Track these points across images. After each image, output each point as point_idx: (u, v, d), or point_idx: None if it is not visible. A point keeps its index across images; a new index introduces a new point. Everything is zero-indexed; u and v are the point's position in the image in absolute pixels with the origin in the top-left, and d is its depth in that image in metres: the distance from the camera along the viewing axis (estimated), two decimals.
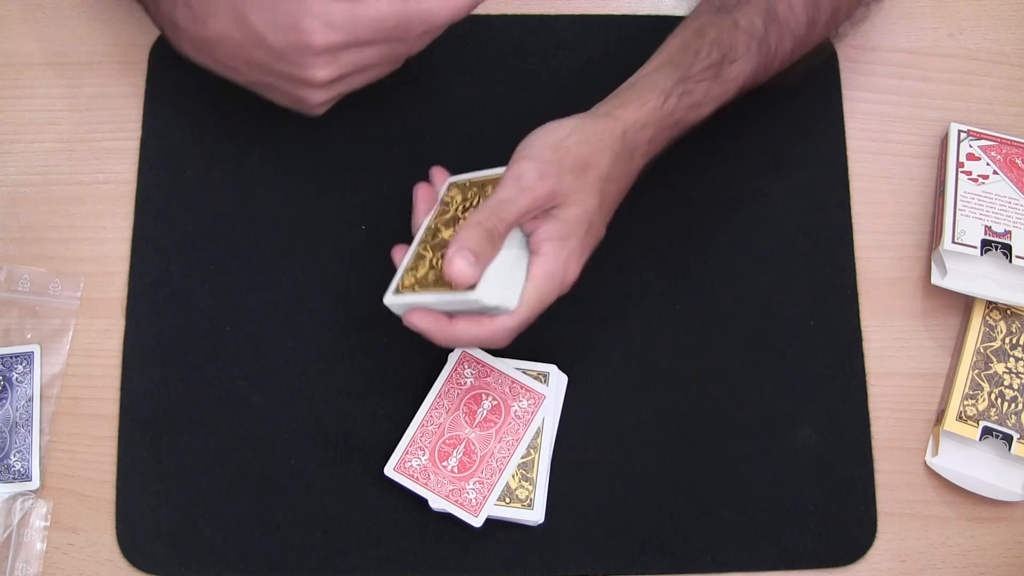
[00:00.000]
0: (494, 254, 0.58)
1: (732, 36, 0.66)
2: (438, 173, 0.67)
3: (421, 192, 0.65)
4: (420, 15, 0.59)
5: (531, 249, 0.60)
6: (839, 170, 0.75)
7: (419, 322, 0.59)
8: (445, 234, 0.62)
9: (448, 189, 0.65)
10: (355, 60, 0.61)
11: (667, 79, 0.64)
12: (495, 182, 0.61)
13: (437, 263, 0.60)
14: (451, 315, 0.60)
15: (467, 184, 0.64)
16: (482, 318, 0.59)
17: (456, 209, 0.63)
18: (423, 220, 0.64)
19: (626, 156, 0.62)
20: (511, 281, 0.59)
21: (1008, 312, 0.70)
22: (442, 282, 0.59)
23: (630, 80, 0.65)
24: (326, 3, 0.58)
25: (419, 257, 0.62)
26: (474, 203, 0.62)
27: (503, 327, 0.59)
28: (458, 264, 0.56)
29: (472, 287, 0.57)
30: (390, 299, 0.61)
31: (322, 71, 0.61)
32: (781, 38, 0.67)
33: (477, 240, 0.57)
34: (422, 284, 0.60)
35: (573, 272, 0.61)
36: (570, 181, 0.59)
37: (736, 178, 0.74)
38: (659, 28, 0.76)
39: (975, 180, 0.71)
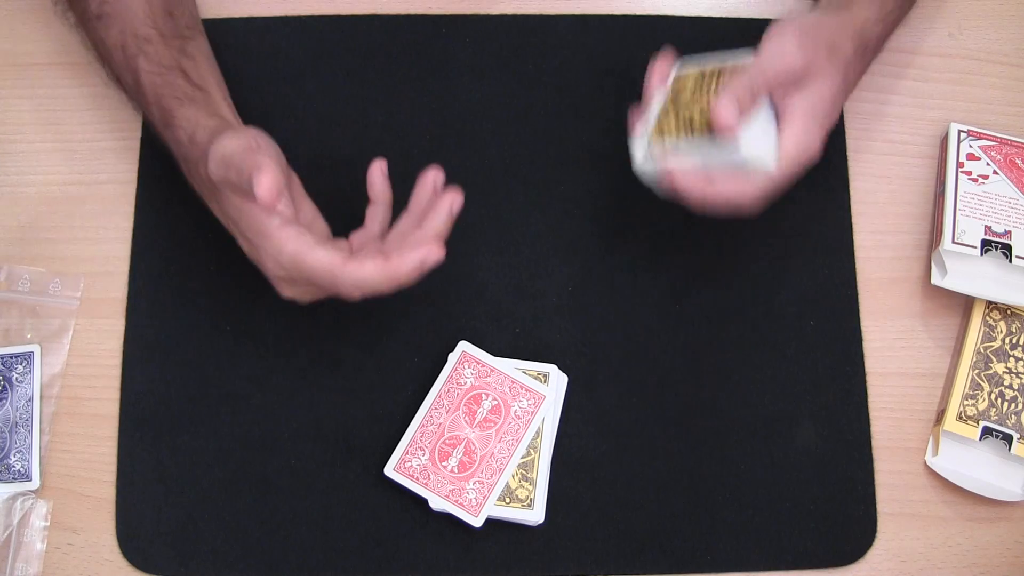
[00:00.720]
0: (753, 111, 0.61)
1: None
2: (663, 62, 0.67)
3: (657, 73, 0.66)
4: (352, 277, 0.58)
5: (782, 118, 0.62)
6: (839, 170, 0.75)
7: (681, 180, 0.61)
8: (691, 108, 0.63)
9: (675, 82, 0.66)
10: (306, 288, 0.62)
11: None
12: (731, 69, 0.63)
13: (690, 119, 0.62)
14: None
15: (703, 71, 0.65)
16: (739, 175, 0.61)
17: (691, 91, 0.64)
18: (656, 91, 0.65)
19: (861, 48, 0.66)
20: (766, 143, 0.61)
21: (1008, 312, 0.70)
22: (698, 129, 0.61)
23: None
24: (284, 236, 0.58)
25: (667, 114, 0.63)
26: (711, 80, 0.64)
27: (760, 186, 0.62)
28: (725, 106, 0.59)
29: (735, 139, 0.59)
30: (642, 160, 0.63)
31: (280, 286, 0.62)
32: None
33: (742, 90, 0.60)
34: (678, 130, 0.62)
35: (818, 146, 0.63)
36: (824, 57, 0.62)
37: None
38: (659, 28, 0.77)
39: (975, 180, 0.71)
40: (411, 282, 0.57)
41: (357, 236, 0.64)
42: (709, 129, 0.61)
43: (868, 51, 0.67)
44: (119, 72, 0.68)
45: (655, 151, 0.64)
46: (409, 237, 0.61)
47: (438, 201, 0.61)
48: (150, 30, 0.66)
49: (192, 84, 0.65)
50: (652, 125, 0.64)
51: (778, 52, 0.62)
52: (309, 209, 0.65)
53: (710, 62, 0.66)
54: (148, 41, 0.66)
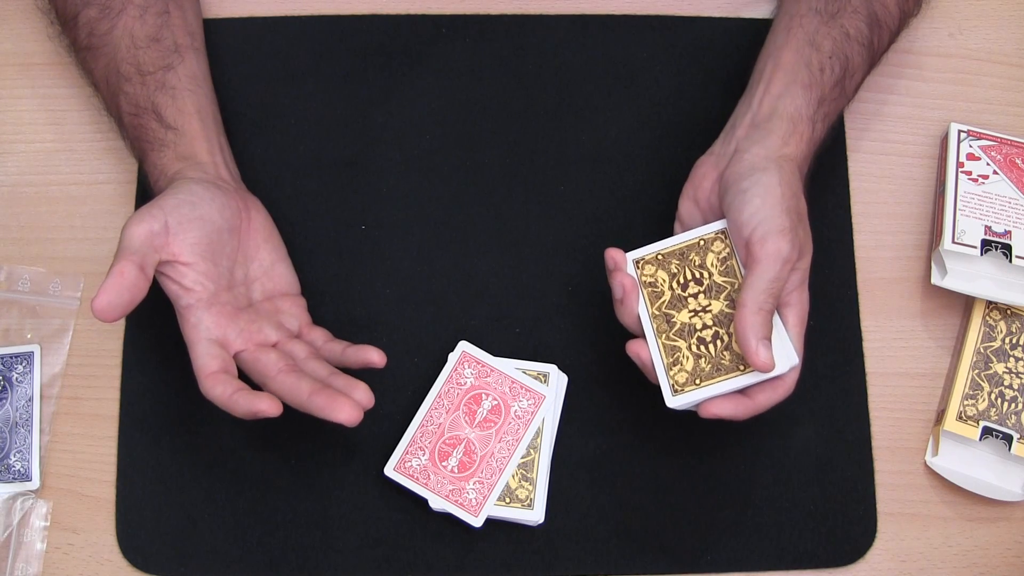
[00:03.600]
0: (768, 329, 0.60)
1: (847, 48, 0.67)
2: (612, 254, 0.65)
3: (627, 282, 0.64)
4: (203, 389, 0.60)
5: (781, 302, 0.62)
6: (839, 170, 0.75)
7: (723, 411, 0.61)
8: (681, 317, 0.63)
9: (642, 268, 0.65)
10: None
11: (808, 104, 0.65)
12: (695, 247, 0.64)
13: (701, 350, 0.62)
14: (742, 390, 0.62)
15: (662, 258, 0.65)
16: (775, 382, 0.62)
17: (672, 287, 0.64)
18: (635, 308, 0.64)
19: (803, 188, 0.64)
20: (781, 340, 0.61)
21: (1008, 312, 0.70)
22: (724, 369, 0.61)
23: (768, 105, 0.66)
24: (187, 317, 0.62)
25: (674, 350, 0.63)
26: (683, 276, 0.64)
27: (793, 381, 0.62)
28: (764, 356, 0.59)
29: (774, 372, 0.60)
30: (674, 402, 0.62)
31: None
32: (881, 38, 0.70)
33: (765, 326, 0.60)
34: (704, 377, 0.62)
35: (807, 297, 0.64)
36: (803, 235, 0.62)
37: None
38: (658, 28, 0.77)
39: (975, 180, 0.71)
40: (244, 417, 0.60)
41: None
42: (737, 364, 0.61)
43: (805, 183, 0.65)
44: (107, 103, 0.70)
45: (682, 386, 0.62)
46: (289, 395, 0.60)
47: (335, 400, 0.59)
48: (129, 67, 0.67)
49: (165, 126, 0.66)
50: (663, 360, 0.63)
51: (780, 265, 0.60)
52: (267, 260, 0.66)
53: (667, 244, 0.65)
54: (128, 80, 0.67)
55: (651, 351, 0.63)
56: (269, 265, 0.66)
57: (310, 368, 0.62)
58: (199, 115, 0.67)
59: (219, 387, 0.60)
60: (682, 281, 0.64)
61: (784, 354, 0.61)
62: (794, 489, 0.68)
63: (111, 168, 0.73)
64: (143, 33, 0.67)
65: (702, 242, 0.64)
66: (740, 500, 0.68)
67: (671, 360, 0.62)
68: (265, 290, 0.66)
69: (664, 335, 0.63)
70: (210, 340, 0.61)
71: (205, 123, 0.67)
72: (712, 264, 0.64)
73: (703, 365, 0.62)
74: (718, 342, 0.62)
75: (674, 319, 0.63)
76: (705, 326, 0.62)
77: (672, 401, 0.62)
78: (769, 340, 0.60)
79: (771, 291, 0.60)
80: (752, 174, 0.62)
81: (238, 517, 0.67)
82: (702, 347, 0.62)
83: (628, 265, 0.65)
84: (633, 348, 0.63)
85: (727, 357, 0.62)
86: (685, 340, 0.63)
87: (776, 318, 0.62)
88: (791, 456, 0.69)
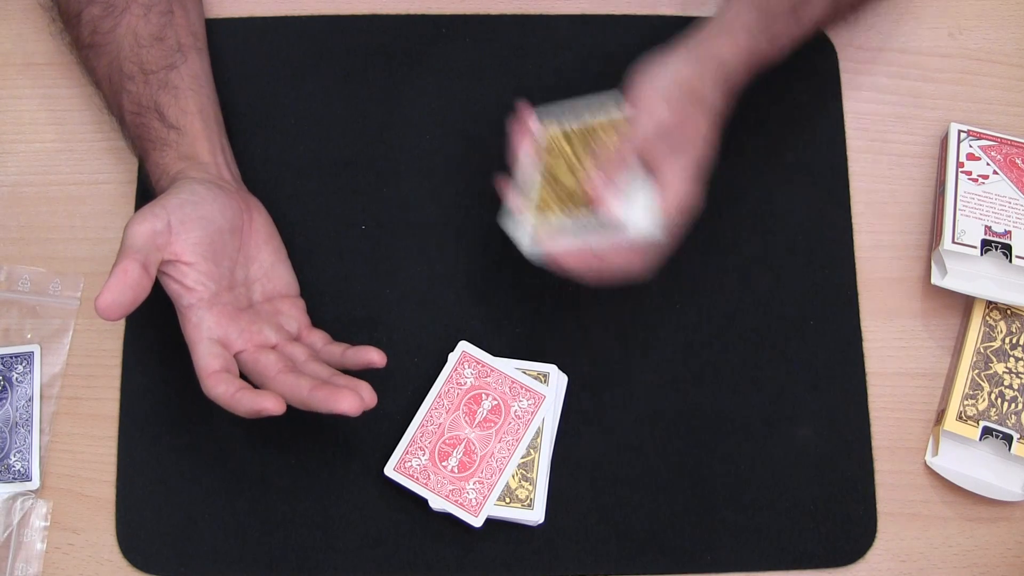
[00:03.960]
0: (626, 180, 0.62)
1: None
2: (525, 112, 0.67)
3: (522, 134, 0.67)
4: (205, 388, 0.60)
5: (658, 178, 0.63)
6: (839, 170, 0.75)
7: (570, 263, 0.63)
8: (567, 180, 0.64)
9: (545, 147, 0.66)
10: None
11: (750, 17, 0.67)
12: (603, 126, 0.65)
13: (571, 194, 0.63)
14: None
15: (571, 133, 0.66)
16: (626, 247, 0.63)
17: (569, 156, 0.65)
18: (528, 164, 0.65)
19: (726, 88, 0.66)
20: (648, 212, 0.62)
21: (1008, 312, 0.70)
22: (582, 218, 0.62)
23: (715, 15, 0.68)
24: (188, 316, 0.62)
25: (545, 192, 0.64)
26: (584, 150, 0.65)
27: (649, 253, 0.63)
28: (603, 192, 0.60)
29: (619, 220, 0.61)
30: (530, 247, 0.63)
31: None
32: None
33: (614, 168, 0.61)
34: (561, 226, 0.63)
35: (696, 199, 0.64)
36: (692, 110, 0.63)
37: (736, 178, 0.74)
38: (658, 28, 0.77)
39: (975, 180, 0.71)
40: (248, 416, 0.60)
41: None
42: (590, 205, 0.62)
43: (733, 84, 0.67)
44: (108, 102, 0.70)
45: (540, 233, 0.63)
46: (290, 394, 0.60)
47: (336, 392, 0.59)
48: (132, 66, 0.67)
49: (167, 125, 0.66)
50: (534, 203, 0.64)
51: (647, 114, 0.62)
52: (266, 261, 0.66)
53: (574, 115, 0.66)
54: (130, 79, 0.67)
55: (526, 187, 0.64)
56: (269, 266, 0.66)
57: (310, 370, 0.62)
58: (201, 115, 0.67)
59: (221, 386, 0.60)
60: (576, 147, 0.65)
61: (642, 218, 0.61)
62: (794, 489, 0.68)
63: (111, 168, 0.73)
64: (147, 32, 0.67)
65: (611, 123, 0.65)
66: (740, 500, 0.68)
67: (542, 211, 0.63)
68: (265, 291, 0.66)
69: (546, 190, 0.64)
70: (212, 340, 0.61)
71: (207, 123, 0.67)
72: (612, 144, 0.64)
73: (563, 205, 0.63)
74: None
75: (561, 180, 0.64)
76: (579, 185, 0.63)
77: (528, 247, 0.63)
78: (617, 186, 0.61)
79: (632, 139, 0.61)
80: (662, 56, 0.64)
81: (238, 517, 0.67)
82: (571, 204, 0.63)
83: (538, 129, 0.66)
84: (501, 182, 0.65)
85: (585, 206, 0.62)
86: (560, 201, 0.63)
87: (647, 185, 0.62)
88: (791, 456, 0.69)
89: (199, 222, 0.61)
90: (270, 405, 0.59)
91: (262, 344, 0.63)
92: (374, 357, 0.63)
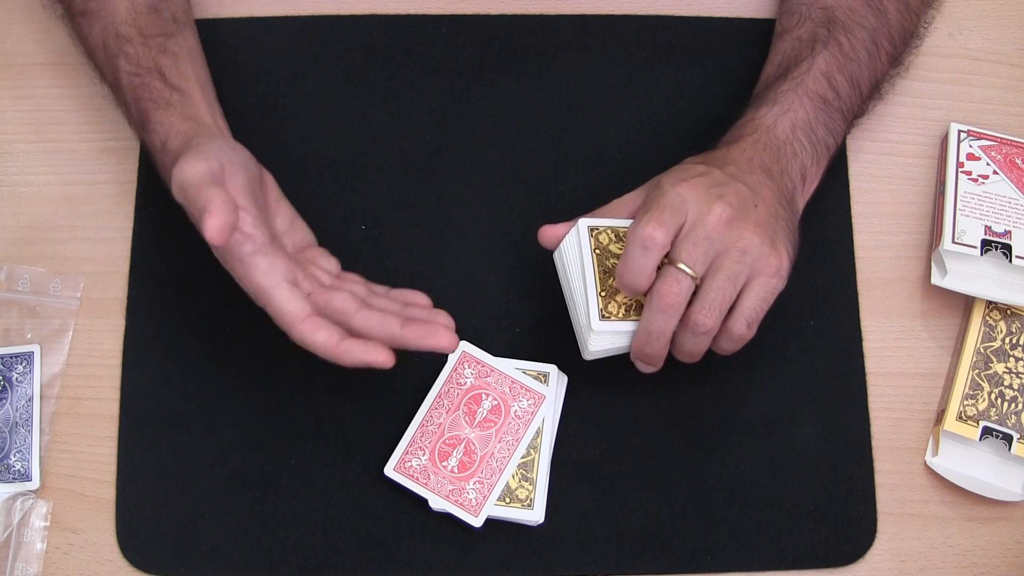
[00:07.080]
0: None
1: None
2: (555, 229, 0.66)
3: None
4: (300, 337, 0.57)
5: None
6: (839, 170, 0.75)
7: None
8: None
9: (596, 237, 0.64)
10: None
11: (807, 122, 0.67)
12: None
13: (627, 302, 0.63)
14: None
15: (610, 231, 0.64)
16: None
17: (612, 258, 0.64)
18: (587, 268, 0.63)
19: (784, 199, 0.65)
20: None
21: (1008, 312, 0.70)
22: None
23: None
24: (254, 265, 0.57)
25: (608, 282, 0.63)
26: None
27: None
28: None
29: None
30: (600, 326, 0.62)
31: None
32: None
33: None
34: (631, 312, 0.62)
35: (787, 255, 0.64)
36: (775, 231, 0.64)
37: None
38: (658, 28, 0.77)
39: (975, 180, 0.71)
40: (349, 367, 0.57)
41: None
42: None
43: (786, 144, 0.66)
44: (102, 69, 0.68)
45: (613, 324, 0.62)
46: (379, 329, 0.58)
47: (433, 328, 0.58)
48: (130, 29, 0.66)
49: (169, 86, 0.65)
50: (597, 308, 0.62)
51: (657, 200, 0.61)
52: (286, 215, 0.65)
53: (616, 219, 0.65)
54: (128, 41, 0.66)
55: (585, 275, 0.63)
56: (290, 220, 0.64)
57: (380, 305, 0.59)
58: (199, 84, 0.66)
59: (322, 332, 0.55)
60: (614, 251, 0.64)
61: None
62: (794, 489, 0.68)
63: (111, 168, 0.73)
64: (143, 1, 0.67)
65: None
66: (740, 500, 0.68)
67: (605, 291, 0.62)
68: (294, 243, 0.64)
69: (602, 271, 0.63)
70: (291, 282, 0.56)
71: (205, 92, 0.67)
72: None
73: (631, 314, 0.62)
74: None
75: (610, 280, 0.63)
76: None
77: (598, 326, 0.62)
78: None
79: (645, 217, 0.59)
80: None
81: (238, 517, 0.67)
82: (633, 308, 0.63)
83: (582, 229, 0.64)
84: (548, 231, 0.64)
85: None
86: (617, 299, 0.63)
87: None
88: (791, 456, 0.69)
89: (241, 167, 0.58)
90: (383, 358, 0.55)
91: (322, 287, 0.59)
92: (420, 299, 0.61)
